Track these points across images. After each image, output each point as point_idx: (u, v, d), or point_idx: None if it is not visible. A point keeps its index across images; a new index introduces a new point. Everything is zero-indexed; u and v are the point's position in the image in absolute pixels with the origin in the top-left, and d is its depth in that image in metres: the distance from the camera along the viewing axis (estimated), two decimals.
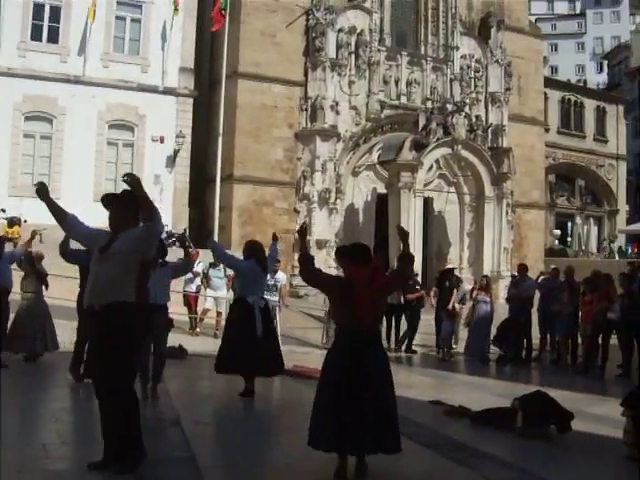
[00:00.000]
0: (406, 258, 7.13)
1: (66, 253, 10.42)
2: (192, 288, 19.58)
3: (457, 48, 37.57)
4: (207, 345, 16.17)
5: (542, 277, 18.88)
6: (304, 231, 8.63)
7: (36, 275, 13.50)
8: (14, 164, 28.90)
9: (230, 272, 17.47)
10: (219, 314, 18.96)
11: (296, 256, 31.65)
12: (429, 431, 8.93)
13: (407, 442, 8.06)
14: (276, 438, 8.74)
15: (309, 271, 7.19)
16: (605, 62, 79.94)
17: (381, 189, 34.19)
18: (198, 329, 19.35)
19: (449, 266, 19.90)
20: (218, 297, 19.06)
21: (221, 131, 29.70)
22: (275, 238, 11.76)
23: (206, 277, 19.54)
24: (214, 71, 33.43)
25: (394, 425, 6.76)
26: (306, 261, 7.18)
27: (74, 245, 8.88)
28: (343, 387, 6.50)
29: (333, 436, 6.45)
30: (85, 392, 9.67)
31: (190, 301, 19.78)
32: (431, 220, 35.85)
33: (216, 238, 27.30)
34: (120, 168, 30.31)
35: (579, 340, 16.58)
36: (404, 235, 7.25)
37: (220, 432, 8.93)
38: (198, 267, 18.94)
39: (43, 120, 29.88)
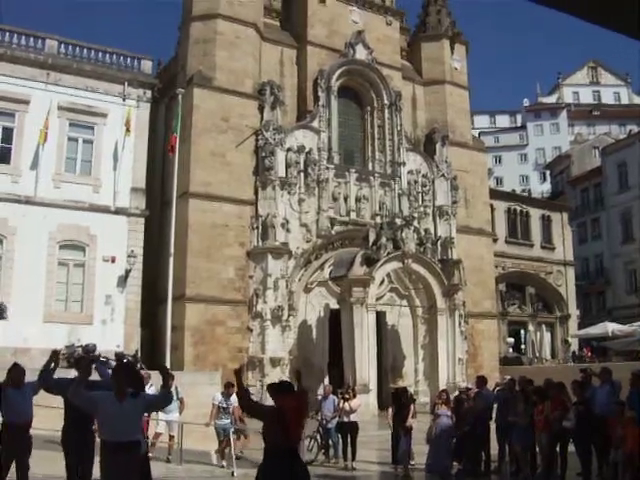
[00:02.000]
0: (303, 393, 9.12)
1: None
2: None
3: (404, 164, 38.52)
4: (160, 470, 15.76)
5: (498, 388, 18.88)
6: (239, 372, 9.34)
7: None
8: None
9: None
10: (171, 438, 18.58)
11: (250, 375, 31.53)
12: None
13: None
14: None
15: (247, 403, 9.19)
16: (547, 172, 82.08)
17: (334, 304, 34.27)
18: (150, 454, 18.87)
19: (402, 384, 19.81)
20: (171, 420, 18.71)
21: (172, 251, 29.64)
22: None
23: None
24: (165, 191, 33.67)
25: None
26: (244, 395, 9.00)
27: None
28: None
29: None
30: None
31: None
32: (385, 334, 35.96)
33: (168, 358, 26.99)
34: (71, 288, 30.19)
35: (537, 450, 16.49)
36: (297, 375, 9.42)
37: None
38: (150, 390, 18.63)
39: None
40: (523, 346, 50.73)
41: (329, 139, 36.59)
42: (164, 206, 33.53)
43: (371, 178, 37.48)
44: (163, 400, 9.36)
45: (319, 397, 21.88)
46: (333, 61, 37.71)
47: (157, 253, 32.81)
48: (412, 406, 18.41)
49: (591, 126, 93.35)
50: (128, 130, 31.73)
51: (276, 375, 32.01)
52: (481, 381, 18.45)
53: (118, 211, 31.52)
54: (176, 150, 30.19)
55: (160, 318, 31.47)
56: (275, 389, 8.98)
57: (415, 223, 36.34)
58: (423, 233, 36.24)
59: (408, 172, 38.73)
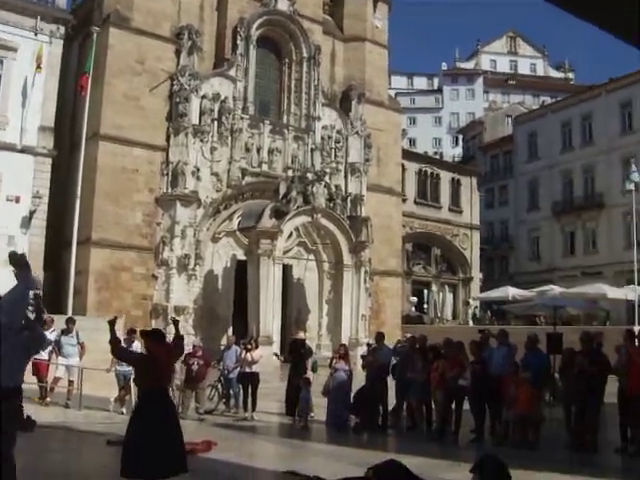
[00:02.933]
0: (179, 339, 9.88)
1: None
2: (43, 355, 18.84)
3: (319, 119, 38.38)
4: (58, 415, 15.56)
5: (399, 345, 19.15)
6: (113, 322, 9.20)
7: None
8: None
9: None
10: (71, 383, 18.33)
11: (153, 323, 31.31)
12: None
13: None
14: None
15: (119, 350, 9.46)
16: (460, 136, 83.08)
17: (241, 256, 34.23)
18: (48, 399, 18.61)
19: (299, 336, 19.87)
20: (70, 365, 18.45)
21: (79, 193, 29.07)
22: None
23: (58, 344, 18.87)
24: (75, 132, 32.91)
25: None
26: (116, 344, 9.12)
27: None
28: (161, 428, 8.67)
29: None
30: None
31: (40, 369, 18.97)
32: (290, 287, 36.09)
33: (71, 303, 26.58)
34: None
35: (433, 406, 16.84)
36: (175, 322, 10.03)
37: None
38: (52, 335, 18.31)
39: None
40: (426, 305, 51.74)
41: (245, 89, 36.21)
42: (73, 147, 32.79)
43: (285, 131, 37.32)
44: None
45: (222, 347, 21.92)
46: (254, 10, 37.20)
47: (64, 195, 32.06)
48: (309, 359, 18.57)
49: (506, 95, 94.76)
50: (39, 67, 30.74)
51: (180, 324, 31.85)
52: (380, 337, 18.71)
53: (25, 150, 30.66)
54: (87, 90, 29.49)
55: (64, 261, 30.92)
56: (148, 335, 9.56)
57: (326, 178, 36.42)
58: (334, 189, 36.33)
59: (322, 127, 38.68)
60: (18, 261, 7.12)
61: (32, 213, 30.33)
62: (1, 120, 30.41)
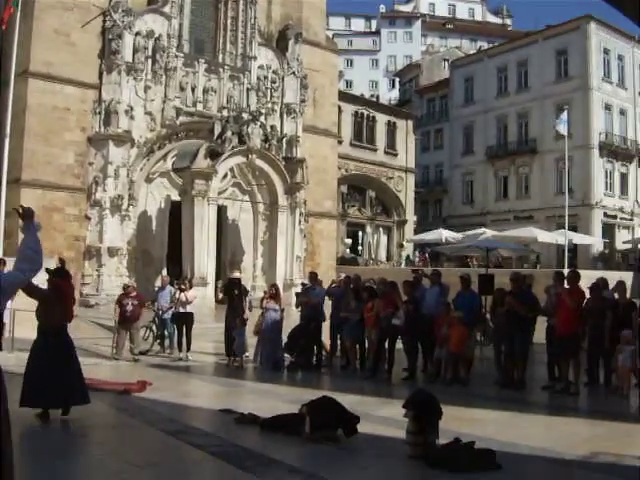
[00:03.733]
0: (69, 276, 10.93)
1: None
2: None
3: (255, 58, 37.88)
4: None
5: (333, 285, 19.25)
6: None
7: None
8: None
9: None
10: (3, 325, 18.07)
11: (86, 264, 30.98)
12: (219, 440, 8.88)
13: (196, 452, 8.05)
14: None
15: (29, 286, 8.87)
16: (397, 79, 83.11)
17: (175, 196, 33.88)
18: None
19: (235, 275, 19.81)
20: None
21: (8, 132, 28.34)
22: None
23: None
24: (3, 69, 31.91)
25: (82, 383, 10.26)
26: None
27: None
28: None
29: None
30: None
31: None
32: (225, 228, 35.97)
33: (1, 245, 26.05)
34: None
35: (366, 345, 17.03)
36: (61, 262, 9.58)
37: None
38: None
39: None
40: (360, 247, 52.19)
41: (180, 26, 35.41)
42: (1, 85, 31.87)
43: (220, 70, 36.73)
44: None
45: (156, 288, 21.82)
46: None
47: None
48: (246, 298, 18.57)
49: (443, 39, 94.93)
50: None
51: (113, 265, 31.60)
52: (313, 277, 18.83)
53: None
54: (14, 25, 28.57)
55: None
56: (54, 272, 10.42)
57: (262, 119, 36.02)
58: (269, 130, 36.04)
59: (259, 67, 38.14)
60: None
61: None
62: None
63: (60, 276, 10.49)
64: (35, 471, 7.30)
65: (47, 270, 10.32)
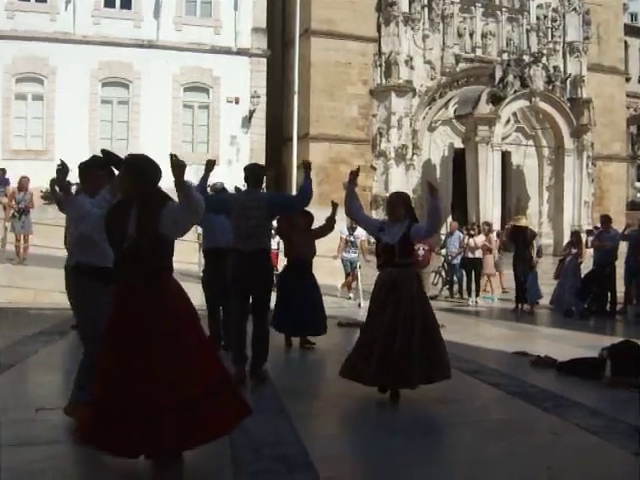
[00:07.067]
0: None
1: None
2: (273, 245, 19.41)
3: None
4: None
5: (629, 229, 18.28)
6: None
7: None
8: (93, 130, 29.30)
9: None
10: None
11: (374, 214, 31.74)
12: (516, 380, 8.81)
13: (494, 390, 8.08)
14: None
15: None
16: None
17: (458, 144, 33.89)
18: None
19: (521, 222, 19.33)
20: None
21: (296, 89, 29.68)
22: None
23: None
24: (287, 30, 33.36)
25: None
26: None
27: None
28: None
29: None
30: None
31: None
32: (509, 174, 35.46)
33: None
34: (196, 130, 30.67)
35: None
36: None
37: (304, 382, 8.93)
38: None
39: (119, 85, 30.21)
40: None
41: None
42: (285, 46, 33.31)
43: (498, 13, 35.90)
44: None
45: (443, 235, 21.94)
46: None
47: (280, 93, 32.87)
48: (534, 243, 18.20)
49: None
50: None
51: None
52: (606, 220, 17.92)
53: (240, 52, 31.32)
54: None
55: (285, 157, 31.88)
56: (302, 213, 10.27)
57: (544, 60, 34.94)
58: (552, 70, 34.87)
59: (537, 6, 36.78)
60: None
61: (251, 113, 31.16)
62: (216, 25, 31.10)
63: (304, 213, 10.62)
64: None
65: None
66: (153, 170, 5.08)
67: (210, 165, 8.20)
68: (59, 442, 4.71)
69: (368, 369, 7.02)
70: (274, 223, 10.28)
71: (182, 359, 4.76)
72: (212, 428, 4.81)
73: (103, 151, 6.16)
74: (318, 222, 10.97)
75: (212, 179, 8.87)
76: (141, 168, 5.07)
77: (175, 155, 4.75)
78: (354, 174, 7.80)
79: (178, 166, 4.68)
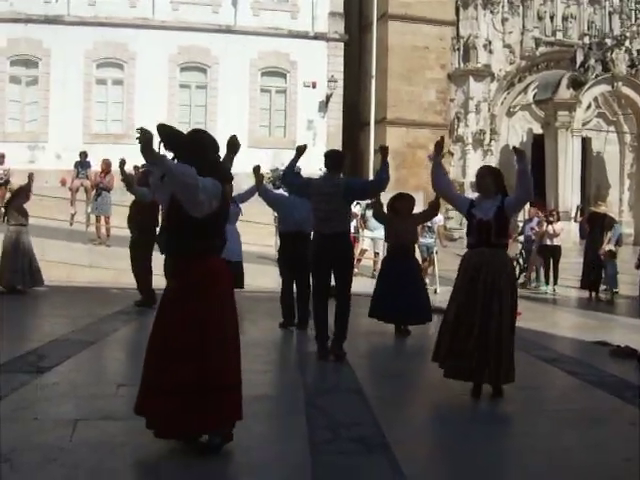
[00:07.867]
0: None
1: None
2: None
3: None
4: (365, 285, 16.12)
5: None
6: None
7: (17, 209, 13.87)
8: (171, 114, 29.61)
9: None
10: (376, 255, 19.03)
11: None
12: (594, 370, 8.67)
13: (572, 379, 7.97)
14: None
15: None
16: None
17: (537, 129, 33.39)
18: (356, 269, 19.39)
19: (600, 209, 18.94)
20: (375, 238, 19.02)
21: (374, 73, 29.60)
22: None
23: (363, 218, 19.65)
24: (363, 14, 33.21)
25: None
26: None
27: None
28: None
29: None
30: None
31: None
32: (589, 161, 34.80)
33: None
34: (273, 114, 30.81)
35: None
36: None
37: (382, 365, 8.94)
38: (355, 208, 18.92)
39: (197, 70, 30.52)
40: None
41: None
42: (363, 30, 33.17)
43: None
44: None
45: (520, 222, 21.65)
46: None
47: (357, 78, 32.80)
48: (611, 231, 17.85)
49: None
50: None
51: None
52: None
53: (317, 36, 31.30)
54: None
55: (362, 142, 31.84)
56: (394, 197, 10.80)
57: (627, 43, 34.01)
58: (635, 54, 33.98)
59: None
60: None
61: (328, 97, 31.16)
62: (293, 9, 31.12)
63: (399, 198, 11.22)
64: None
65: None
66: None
67: (301, 150, 8.64)
68: (138, 418, 4.82)
69: (468, 365, 6.68)
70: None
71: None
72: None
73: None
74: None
75: (285, 162, 9.23)
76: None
77: (142, 128, 4.54)
78: (439, 145, 7.43)
79: (145, 140, 4.47)
